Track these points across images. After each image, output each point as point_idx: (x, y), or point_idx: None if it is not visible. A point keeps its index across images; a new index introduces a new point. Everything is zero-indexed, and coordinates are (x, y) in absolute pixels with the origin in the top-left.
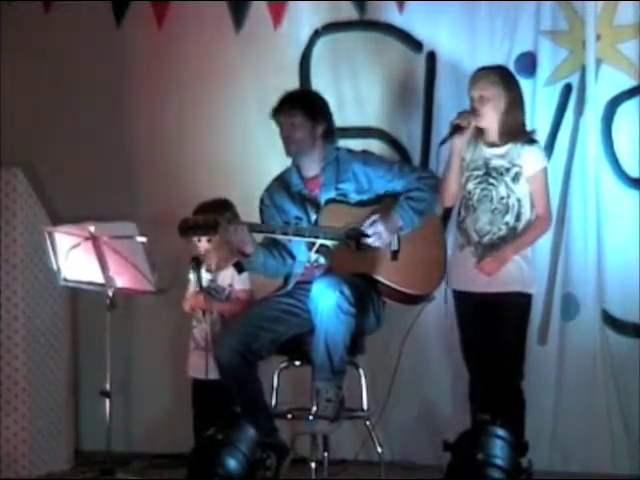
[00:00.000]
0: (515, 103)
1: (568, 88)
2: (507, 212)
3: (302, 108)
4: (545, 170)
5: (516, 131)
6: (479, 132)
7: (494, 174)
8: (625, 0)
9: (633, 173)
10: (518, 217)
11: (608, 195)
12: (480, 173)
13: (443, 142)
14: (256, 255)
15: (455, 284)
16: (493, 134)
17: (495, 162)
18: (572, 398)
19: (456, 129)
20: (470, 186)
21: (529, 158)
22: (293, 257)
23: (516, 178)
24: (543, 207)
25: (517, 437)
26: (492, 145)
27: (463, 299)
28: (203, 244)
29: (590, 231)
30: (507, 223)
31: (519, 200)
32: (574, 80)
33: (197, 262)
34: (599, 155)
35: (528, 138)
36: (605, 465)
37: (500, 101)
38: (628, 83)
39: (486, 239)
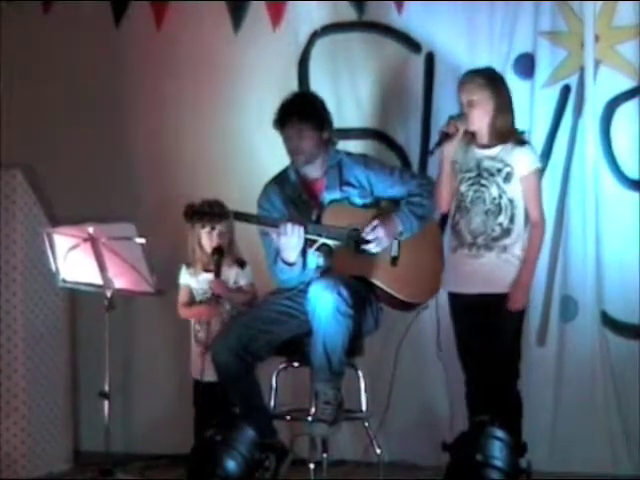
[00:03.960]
0: (504, 105)
1: (567, 89)
2: (500, 213)
3: (310, 119)
4: (538, 172)
5: (506, 133)
6: (471, 135)
7: (486, 175)
8: (624, 1)
9: (632, 174)
10: (512, 219)
11: (607, 196)
12: (472, 175)
13: (431, 152)
14: (298, 265)
15: (449, 286)
16: (484, 136)
17: (486, 163)
18: (571, 399)
19: (444, 137)
20: (463, 188)
21: (520, 159)
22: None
23: (507, 178)
24: (536, 211)
25: (515, 438)
26: (483, 147)
27: (458, 301)
28: (209, 236)
29: (589, 232)
30: (501, 224)
31: (511, 201)
32: (573, 81)
33: (220, 251)
34: (598, 156)
35: (519, 139)
36: (605, 465)
37: (488, 104)
38: (627, 84)
39: (480, 240)
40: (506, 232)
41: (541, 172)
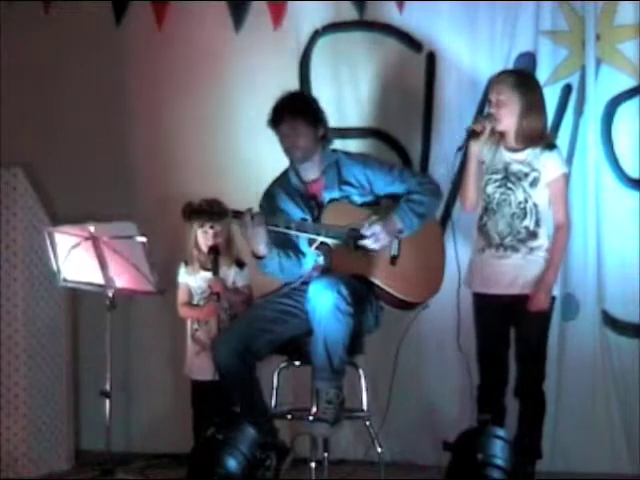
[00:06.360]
0: (533, 107)
1: (568, 88)
2: (525, 217)
3: (304, 115)
4: (565, 176)
5: (534, 136)
6: (500, 136)
7: (513, 179)
8: (625, 0)
9: (633, 173)
10: (538, 222)
11: (608, 195)
12: (499, 177)
13: (460, 149)
14: (271, 256)
15: (476, 286)
16: (512, 138)
17: (514, 167)
18: (572, 398)
19: (471, 135)
20: (489, 189)
21: (548, 164)
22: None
23: (534, 183)
24: (562, 215)
25: (535, 441)
26: (512, 150)
27: (484, 301)
28: (205, 235)
29: (590, 231)
30: (527, 227)
31: (536, 205)
32: (574, 80)
33: (216, 250)
34: (599, 155)
35: (548, 143)
36: (605, 465)
37: (516, 105)
38: (628, 83)
39: (507, 240)
40: (533, 235)
41: (568, 176)
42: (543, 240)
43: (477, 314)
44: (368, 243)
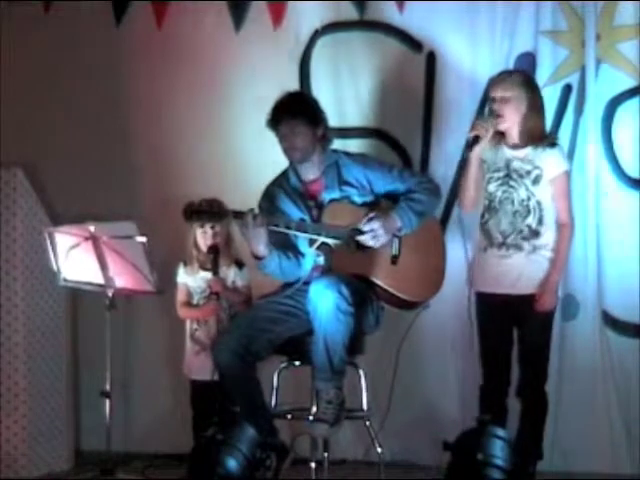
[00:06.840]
0: (536, 106)
1: (568, 88)
2: (528, 214)
3: (303, 116)
4: (567, 174)
5: (537, 134)
6: (501, 134)
7: (515, 176)
8: (625, 0)
9: (633, 173)
10: (540, 220)
11: (608, 195)
12: (501, 175)
13: (464, 158)
14: (271, 257)
15: (479, 286)
16: (514, 136)
17: (516, 164)
18: (572, 398)
19: (475, 141)
20: (491, 188)
21: (550, 161)
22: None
23: (536, 181)
24: (565, 213)
25: (536, 441)
26: (513, 147)
27: (487, 301)
28: (204, 235)
29: (590, 231)
30: (529, 226)
31: (539, 203)
32: (574, 80)
33: (216, 250)
34: (599, 155)
35: (549, 141)
36: (605, 465)
37: (521, 103)
38: (628, 83)
39: (510, 239)
40: (535, 233)
41: (570, 174)
42: (547, 239)
43: (480, 314)
44: (367, 239)
